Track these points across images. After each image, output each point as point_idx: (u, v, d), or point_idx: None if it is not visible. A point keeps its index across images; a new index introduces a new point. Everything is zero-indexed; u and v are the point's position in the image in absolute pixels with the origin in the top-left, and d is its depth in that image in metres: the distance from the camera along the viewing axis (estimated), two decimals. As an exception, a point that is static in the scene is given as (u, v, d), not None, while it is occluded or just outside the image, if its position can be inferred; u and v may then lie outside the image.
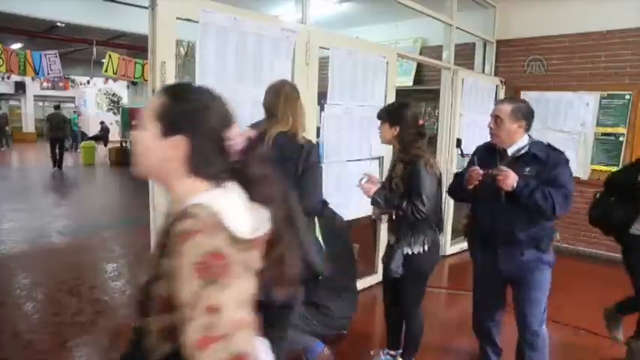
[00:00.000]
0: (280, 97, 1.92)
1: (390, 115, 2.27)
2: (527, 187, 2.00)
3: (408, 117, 2.23)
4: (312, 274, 1.80)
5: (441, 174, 2.28)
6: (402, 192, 2.20)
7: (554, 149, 2.14)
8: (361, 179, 2.29)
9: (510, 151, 2.14)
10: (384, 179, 2.49)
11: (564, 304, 3.63)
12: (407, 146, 2.21)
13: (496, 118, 2.12)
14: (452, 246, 4.96)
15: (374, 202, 2.26)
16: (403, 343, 2.50)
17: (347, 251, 2.63)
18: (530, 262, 2.17)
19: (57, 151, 11.10)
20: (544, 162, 2.06)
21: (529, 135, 2.18)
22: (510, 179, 2.01)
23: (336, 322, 2.48)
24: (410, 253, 2.23)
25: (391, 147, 2.40)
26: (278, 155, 1.84)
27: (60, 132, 11.36)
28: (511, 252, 2.16)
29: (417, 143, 2.23)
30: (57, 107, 12.48)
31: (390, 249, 2.31)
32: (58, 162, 11.12)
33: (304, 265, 1.74)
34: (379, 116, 2.31)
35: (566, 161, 2.09)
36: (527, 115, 2.13)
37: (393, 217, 2.25)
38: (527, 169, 2.07)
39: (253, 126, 1.98)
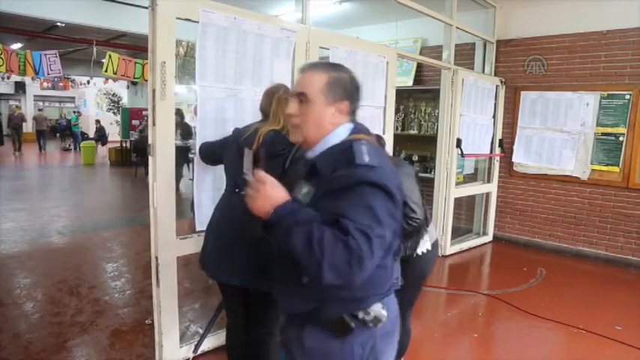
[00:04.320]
0: (273, 99, 1.96)
1: None
2: (286, 217, 1.09)
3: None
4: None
5: (415, 171, 2.19)
6: None
7: (355, 162, 1.12)
8: None
9: (313, 153, 1.27)
10: None
11: (564, 303, 3.63)
12: None
13: (299, 96, 1.25)
14: (452, 246, 4.96)
15: None
16: None
17: None
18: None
19: (41, 141, 16.04)
20: (324, 177, 1.16)
21: (356, 124, 1.29)
22: (260, 199, 1.13)
23: None
24: (411, 255, 2.16)
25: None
26: (267, 151, 1.86)
27: (43, 127, 16.43)
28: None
29: None
30: (40, 110, 18.88)
31: None
32: (42, 147, 16.00)
33: None
34: None
35: (371, 183, 1.10)
36: (351, 91, 1.28)
37: None
38: (305, 189, 1.20)
39: (244, 128, 2.00)
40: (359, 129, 1.29)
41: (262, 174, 1.16)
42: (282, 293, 1.33)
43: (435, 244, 2.23)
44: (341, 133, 1.26)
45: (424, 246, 2.16)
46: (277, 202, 1.12)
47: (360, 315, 1.24)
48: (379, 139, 2.20)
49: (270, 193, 1.14)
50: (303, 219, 1.09)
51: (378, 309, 1.26)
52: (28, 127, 21.54)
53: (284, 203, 1.12)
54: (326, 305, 1.23)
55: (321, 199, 1.14)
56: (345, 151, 1.17)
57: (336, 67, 1.31)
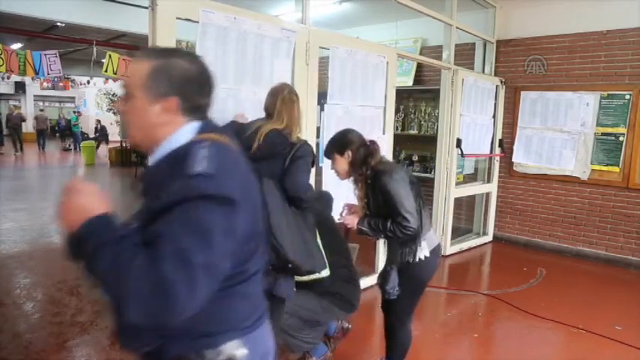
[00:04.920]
0: (277, 99, 1.97)
1: (335, 145, 2.18)
2: (95, 234, 0.88)
3: (354, 138, 2.17)
4: (284, 263, 1.80)
5: (411, 176, 2.17)
6: (382, 211, 2.10)
7: (188, 172, 0.89)
8: (341, 212, 2.22)
9: (152, 160, 1.06)
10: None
11: (564, 303, 3.63)
12: (362, 164, 2.13)
13: (126, 90, 1.02)
14: (452, 246, 4.95)
15: (360, 233, 2.17)
16: (387, 352, 2.39)
17: (340, 242, 2.57)
18: None
19: (41, 140, 16.77)
20: (154, 193, 0.95)
21: (206, 122, 1.04)
22: (68, 210, 0.92)
23: (346, 303, 2.44)
24: (407, 261, 2.13)
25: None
26: (269, 151, 1.87)
27: (43, 126, 17.19)
28: None
29: (371, 159, 2.13)
30: (41, 110, 19.69)
31: (384, 270, 2.22)
32: (42, 146, 16.75)
33: (275, 254, 1.76)
34: (327, 154, 2.20)
35: (207, 196, 0.88)
36: (181, 84, 1.00)
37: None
38: (138, 206, 1.04)
39: (247, 125, 2.01)
40: (207, 128, 1.03)
41: (77, 180, 0.95)
42: (121, 328, 1.04)
43: (434, 251, 2.19)
44: (183, 135, 1.00)
45: (421, 253, 2.12)
46: (89, 214, 0.88)
47: (209, 355, 0.99)
48: (373, 144, 2.21)
49: (81, 203, 0.90)
50: (115, 238, 0.86)
51: (232, 348, 1.00)
52: (28, 127, 21.62)
53: (96, 216, 0.88)
54: (169, 342, 0.99)
55: (149, 218, 0.90)
56: (181, 157, 0.92)
57: (169, 52, 1.04)
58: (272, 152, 1.88)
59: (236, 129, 2.03)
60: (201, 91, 1.04)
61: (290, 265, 1.82)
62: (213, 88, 1.07)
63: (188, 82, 1.01)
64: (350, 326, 2.69)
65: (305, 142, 1.97)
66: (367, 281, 3.72)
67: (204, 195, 0.87)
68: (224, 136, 1.02)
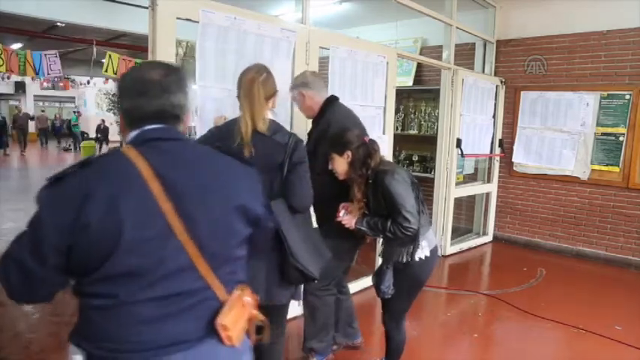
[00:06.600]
0: (241, 83, 1.82)
1: (334, 145, 2.16)
2: None
3: (352, 137, 2.14)
4: (311, 280, 1.80)
5: (412, 177, 2.15)
6: (381, 211, 2.09)
7: None
8: (339, 212, 2.21)
9: None
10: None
11: (564, 303, 3.63)
12: (362, 165, 2.11)
13: None
14: (452, 246, 4.95)
15: (359, 232, 2.17)
16: (387, 352, 2.38)
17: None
18: None
19: (43, 138, 18.58)
20: None
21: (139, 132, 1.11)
22: None
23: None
24: (405, 261, 2.11)
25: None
26: (262, 164, 1.61)
27: (45, 125, 18.92)
28: None
29: (370, 160, 2.11)
30: (43, 111, 20.85)
31: (380, 269, 2.22)
32: (43, 143, 18.36)
33: (296, 271, 1.75)
34: (326, 153, 2.18)
35: None
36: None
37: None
38: None
39: (227, 129, 1.84)
40: (137, 139, 1.15)
41: None
42: None
43: (434, 251, 2.18)
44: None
45: (421, 253, 2.11)
46: None
47: None
48: (372, 144, 2.20)
49: None
50: None
51: None
52: (29, 126, 21.62)
53: None
54: None
55: None
56: None
57: None
58: (266, 165, 1.72)
59: (217, 136, 1.85)
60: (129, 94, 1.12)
61: (315, 281, 1.83)
62: (135, 90, 1.09)
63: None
64: (362, 341, 2.73)
65: (297, 140, 1.80)
66: (367, 281, 3.72)
67: None
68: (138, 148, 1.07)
